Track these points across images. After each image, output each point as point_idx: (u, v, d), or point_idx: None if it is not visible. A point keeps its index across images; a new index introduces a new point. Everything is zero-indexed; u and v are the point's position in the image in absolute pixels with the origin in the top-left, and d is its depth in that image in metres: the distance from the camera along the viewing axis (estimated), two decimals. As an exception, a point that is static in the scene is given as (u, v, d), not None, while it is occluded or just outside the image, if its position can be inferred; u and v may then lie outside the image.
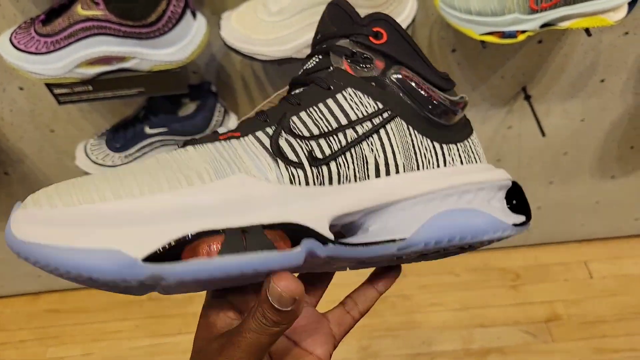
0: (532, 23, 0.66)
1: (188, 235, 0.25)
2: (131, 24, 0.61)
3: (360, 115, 0.32)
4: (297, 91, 0.33)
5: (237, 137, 0.30)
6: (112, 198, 0.25)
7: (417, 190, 0.32)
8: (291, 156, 0.29)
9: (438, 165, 0.34)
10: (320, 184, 0.30)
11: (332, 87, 0.32)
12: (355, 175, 0.31)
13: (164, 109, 0.76)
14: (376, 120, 0.32)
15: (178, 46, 0.64)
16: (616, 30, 0.80)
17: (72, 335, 1.18)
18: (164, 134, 0.75)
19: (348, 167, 0.31)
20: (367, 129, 0.32)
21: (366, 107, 0.32)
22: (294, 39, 0.64)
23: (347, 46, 0.34)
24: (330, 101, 0.32)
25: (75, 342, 1.17)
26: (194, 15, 0.65)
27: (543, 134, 0.83)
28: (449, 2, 0.67)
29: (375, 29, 0.33)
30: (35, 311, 1.22)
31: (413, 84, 0.33)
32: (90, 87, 0.68)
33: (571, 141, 0.99)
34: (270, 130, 0.30)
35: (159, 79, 0.67)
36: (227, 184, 0.27)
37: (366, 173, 0.32)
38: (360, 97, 0.32)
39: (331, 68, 0.33)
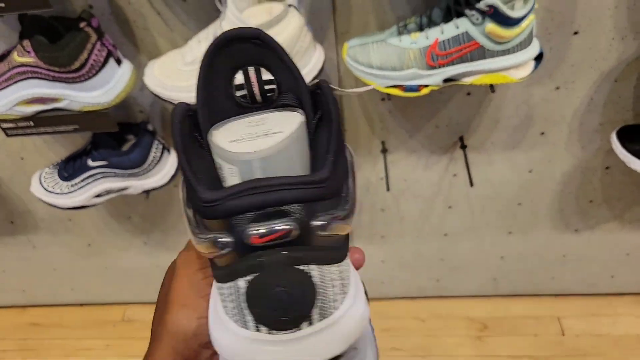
0: (432, 78, 0.68)
1: None
2: (58, 70, 0.69)
3: None
4: None
5: None
6: None
7: None
8: None
9: None
10: None
11: None
12: None
13: (106, 144, 0.83)
14: None
15: (102, 90, 0.71)
16: (546, 85, 0.80)
17: (49, 349, 1.26)
18: (104, 167, 0.82)
19: None
20: None
21: None
22: (203, 87, 0.70)
23: None
24: None
25: (50, 356, 1.24)
26: (118, 62, 0.72)
27: (471, 183, 0.84)
28: (352, 55, 0.70)
29: None
30: (20, 323, 1.31)
31: None
32: (32, 123, 0.76)
33: (523, 192, 0.98)
34: None
35: (89, 118, 0.74)
36: None
37: None
38: None
39: None
